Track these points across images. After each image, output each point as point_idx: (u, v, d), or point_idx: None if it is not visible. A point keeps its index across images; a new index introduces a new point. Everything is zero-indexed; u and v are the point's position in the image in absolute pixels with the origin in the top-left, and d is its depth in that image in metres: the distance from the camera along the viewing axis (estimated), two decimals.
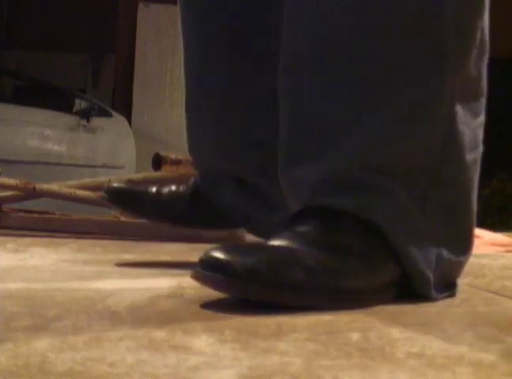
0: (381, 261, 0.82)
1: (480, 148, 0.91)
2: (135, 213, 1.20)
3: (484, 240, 1.98)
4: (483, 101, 0.91)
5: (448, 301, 0.85)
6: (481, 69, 0.89)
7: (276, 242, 0.80)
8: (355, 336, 0.62)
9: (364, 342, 0.60)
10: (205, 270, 0.74)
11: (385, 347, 0.58)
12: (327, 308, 0.74)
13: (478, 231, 2.00)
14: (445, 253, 0.86)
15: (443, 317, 0.75)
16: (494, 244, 1.99)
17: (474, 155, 0.89)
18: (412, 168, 0.84)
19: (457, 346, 0.60)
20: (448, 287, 0.88)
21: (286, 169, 0.89)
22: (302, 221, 0.84)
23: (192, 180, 1.20)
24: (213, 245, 0.76)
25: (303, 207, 0.86)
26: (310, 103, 0.87)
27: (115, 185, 1.19)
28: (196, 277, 0.75)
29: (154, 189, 1.16)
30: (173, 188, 1.18)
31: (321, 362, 0.52)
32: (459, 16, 0.84)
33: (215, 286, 0.74)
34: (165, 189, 1.17)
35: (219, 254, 0.73)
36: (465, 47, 0.85)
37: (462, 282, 0.98)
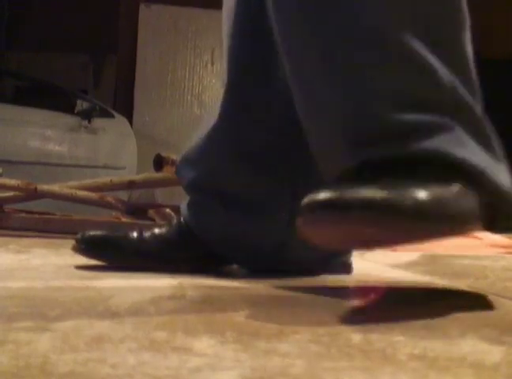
0: (465, 192, 0.78)
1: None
2: (115, 261, 1.10)
3: (485, 242, 1.99)
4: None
5: (450, 303, 0.85)
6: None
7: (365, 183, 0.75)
8: (356, 338, 0.62)
9: (366, 344, 0.60)
10: (316, 211, 0.70)
11: (386, 349, 0.58)
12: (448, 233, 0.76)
13: (479, 233, 2.00)
14: (499, 164, 0.84)
15: (445, 318, 0.75)
16: (495, 245, 1.99)
17: None
18: (458, 100, 0.82)
19: (459, 348, 0.60)
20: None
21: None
22: (370, 175, 0.78)
23: (174, 221, 1.15)
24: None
25: (361, 163, 0.81)
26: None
27: (91, 233, 1.11)
28: (305, 222, 0.72)
29: (135, 234, 1.10)
30: (155, 230, 1.12)
31: (323, 363, 0.52)
32: None
33: (330, 223, 0.71)
34: (146, 232, 1.11)
35: (325, 194, 0.70)
36: None
37: (464, 283, 0.98)
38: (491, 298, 0.93)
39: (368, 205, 0.70)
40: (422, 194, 0.72)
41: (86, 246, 1.11)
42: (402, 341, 0.61)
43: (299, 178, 1.06)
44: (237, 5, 1.06)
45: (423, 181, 0.75)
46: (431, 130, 0.80)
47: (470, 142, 0.81)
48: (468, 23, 0.87)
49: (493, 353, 0.59)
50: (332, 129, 0.85)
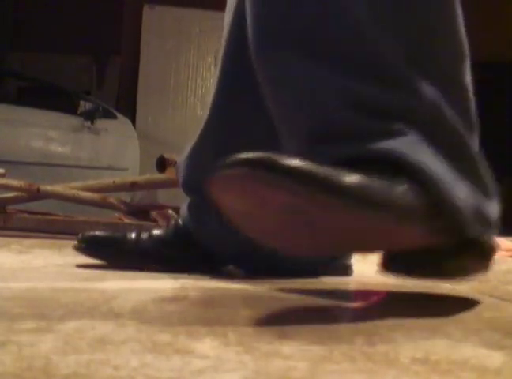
0: (403, 185, 0.76)
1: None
2: (112, 261, 1.13)
3: None
4: None
5: (452, 305, 0.85)
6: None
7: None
8: (359, 341, 0.62)
9: (368, 346, 0.60)
10: (230, 167, 0.66)
11: (389, 352, 0.58)
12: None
13: None
14: (472, 188, 0.82)
15: (447, 321, 0.75)
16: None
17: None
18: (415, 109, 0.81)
19: (462, 351, 0.60)
20: (486, 225, 0.84)
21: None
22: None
23: (172, 222, 1.17)
24: None
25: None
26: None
27: (92, 233, 1.16)
28: (217, 179, 0.68)
29: (133, 235, 1.14)
30: (154, 232, 1.15)
31: (326, 366, 0.52)
32: None
33: (240, 179, 0.67)
34: (144, 234, 1.14)
35: (246, 154, 0.67)
36: None
37: (466, 287, 0.98)
38: (493, 301, 0.93)
39: (279, 168, 0.66)
40: (348, 176, 0.70)
41: (87, 245, 1.14)
42: (405, 344, 0.61)
43: None
44: (237, 2, 1.06)
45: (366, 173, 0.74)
46: (388, 134, 0.79)
47: (430, 152, 0.80)
48: (467, 55, 0.87)
49: (495, 357, 0.58)
50: (297, 123, 0.85)
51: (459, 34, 0.87)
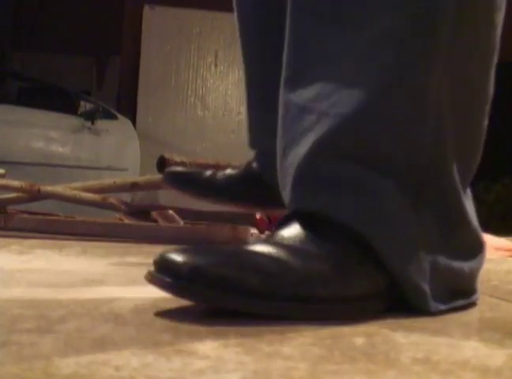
0: (359, 271, 0.75)
1: None
2: (191, 193, 1.29)
3: (489, 245, 1.98)
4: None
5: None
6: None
7: (245, 246, 0.75)
8: (359, 341, 0.62)
9: (369, 347, 0.60)
10: (156, 272, 0.70)
11: (390, 352, 0.58)
12: (289, 318, 0.69)
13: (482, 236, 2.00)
14: (441, 259, 0.80)
15: (448, 322, 0.75)
16: (498, 249, 1.99)
17: None
18: (402, 161, 0.78)
19: (463, 351, 0.60)
20: (457, 296, 0.82)
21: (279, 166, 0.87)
22: (282, 225, 0.80)
23: (246, 163, 1.29)
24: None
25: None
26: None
27: (173, 169, 1.33)
28: (146, 278, 0.71)
29: (209, 173, 1.28)
30: (227, 171, 1.28)
31: (326, 366, 0.52)
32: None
33: (162, 288, 0.70)
34: (220, 173, 1.27)
35: (171, 255, 0.69)
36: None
37: None
38: (494, 301, 0.93)
39: (196, 279, 0.68)
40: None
41: (168, 180, 1.30)
42: (405, 344, 0.61)
43: None
44: None
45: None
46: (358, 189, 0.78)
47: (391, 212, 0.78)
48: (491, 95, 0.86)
49: (496, 357, 0.58)
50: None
51: (490, 81, 0.86)
